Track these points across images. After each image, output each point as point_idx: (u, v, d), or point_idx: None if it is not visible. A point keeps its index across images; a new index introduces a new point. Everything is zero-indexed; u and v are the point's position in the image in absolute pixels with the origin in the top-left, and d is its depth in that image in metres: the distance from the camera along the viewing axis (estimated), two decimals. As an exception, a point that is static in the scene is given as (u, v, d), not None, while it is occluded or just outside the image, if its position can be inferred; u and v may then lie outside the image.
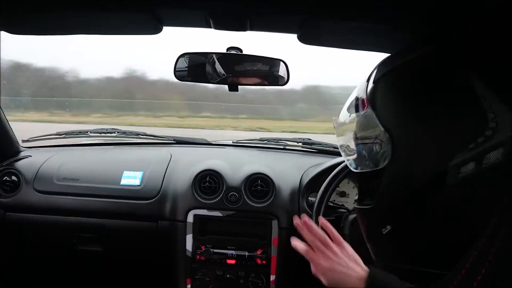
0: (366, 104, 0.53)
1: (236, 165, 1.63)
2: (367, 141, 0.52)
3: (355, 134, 0.55)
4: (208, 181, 1.54)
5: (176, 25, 0.94)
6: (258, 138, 1.98)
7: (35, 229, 1.61)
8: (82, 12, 0.88)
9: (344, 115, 0.60)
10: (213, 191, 1.54)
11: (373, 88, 0.51)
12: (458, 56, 0.41)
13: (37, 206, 1.57)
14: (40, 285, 1.94)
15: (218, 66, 1.16)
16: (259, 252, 1.51)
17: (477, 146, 0.37)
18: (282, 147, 1.97)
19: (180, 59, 1.17)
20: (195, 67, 1.19)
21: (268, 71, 1.19)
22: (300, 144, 1.91)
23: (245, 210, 1.52)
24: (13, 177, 1.60)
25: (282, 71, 1.18)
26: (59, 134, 1.86)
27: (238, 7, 0.73)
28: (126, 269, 1.84)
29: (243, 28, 0.79)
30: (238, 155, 1.83)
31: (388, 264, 0.52)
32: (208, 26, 0.84)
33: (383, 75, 0.50)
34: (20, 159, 1.70)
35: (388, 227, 0.50)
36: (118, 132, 1.91)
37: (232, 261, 1.51)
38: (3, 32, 1.09)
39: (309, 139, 1.92)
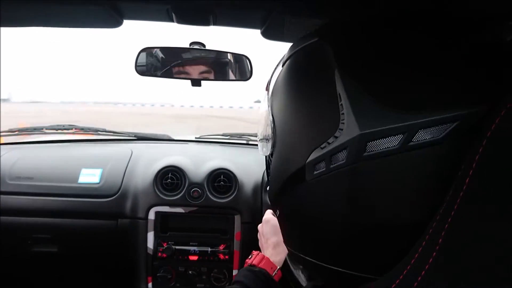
0: (266, 86, 0.55)
1: (199, 161, 1.63)
2: (263, 127, 0.54)
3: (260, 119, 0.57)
4: (170, 178, 1.53)
5: (137, 18, 0.91)
6: (221, 133, 1.99)
7: None
8: (37, 3, 0.84)
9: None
10: (175, 187, 1.53)
11: (274, 76, 0.53)
12: (330, 50, 0.42)
13: None
14: None
15: (180, 61, 1.15)
16: (221, 247, 1.52)
17: (328, 145, 0.39)
18: (245, 142, 1.99)
19: (141, 53, 1.14)
20: (156, 62, 1.17)
21: (231, 66, 1.19)
22: None
23: (207, 205, 1.52)
24: None
25: (245, 66, 1.19)
26: (12, 131, 1.78)
27: (202, 1, 0.72)
28: (84, 269, 1.79)
29: (206, 23, 0.78)
30: (201, 151, 1.83)
31: (288, 248, 0.54)
32: (170, 20, 0.82)
33: (282, 63, 0.52)
34: None
35: (278, 211, 0.52)
36: (75, 129, 1.86)
37: (195, 257, 1.52)
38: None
39: None
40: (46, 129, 1.83)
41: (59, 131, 1.84)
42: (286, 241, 0.54)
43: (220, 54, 1.17)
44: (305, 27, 0.72)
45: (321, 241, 0.43)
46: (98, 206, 1.54)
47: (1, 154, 1.63)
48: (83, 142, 1.91)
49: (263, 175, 1.60)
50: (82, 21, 0.99)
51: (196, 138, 2.01)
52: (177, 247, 1.51)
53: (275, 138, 0.49)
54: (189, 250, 1.51)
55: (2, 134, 1.76)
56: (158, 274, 1.51)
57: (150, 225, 1.51)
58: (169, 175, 1.54)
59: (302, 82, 0.45)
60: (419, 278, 0.34)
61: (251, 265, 0.92)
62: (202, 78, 1.17)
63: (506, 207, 0.31)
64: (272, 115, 0.50)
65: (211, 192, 1.53)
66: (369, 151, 0.36)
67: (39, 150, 1.76)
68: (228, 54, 1.17)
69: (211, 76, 1.19)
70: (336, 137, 0.38)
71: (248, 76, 1.19)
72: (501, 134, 0.31)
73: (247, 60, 1.18)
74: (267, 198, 1.54)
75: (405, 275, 0.35)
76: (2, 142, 1.80)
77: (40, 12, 0.92)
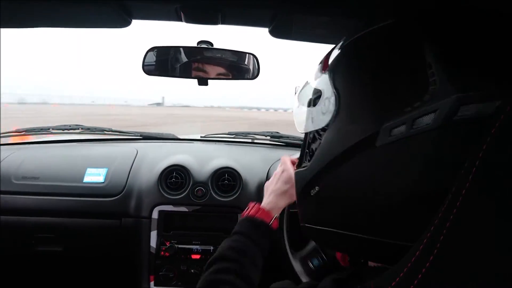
0: (324, 68, 0.55)
1: (203, 160, 1.64)
2: (318, 101, 0.54)
3: (310, 96, 0.58)
4: (174, 177, 1.54)
5: (145, 18, 0.93)
6: (227, 132, 2.00)
7: None
8: (48, 4, 0.86)
9: (303, 85, 0.62)
10: (180, 186, 1.54)
11: (335, 56, 0.54)
12: (416, 27, 0.44)
13: None
14: None
15: (187, 60, 1.16)
16: None
17: (412, 110, 0.39)
18: (250, 140, 1.99)
19: (149, 53, 1.16)
20: (163, 61, 1.19)
21: (238, 64, 1.20)
22: (268, 137, 1.94)
23: (211, 204, 1.53)
24: None
25: (252, 65, 1.20)
26: (19, 132, 1.80)
27: (210, 0, 0.73)
28: (88, 268, 1.80)
29: (215, 22, 0.80)
30: (206, 150, 1.84)
31: (311, 226, 0.54)
32: (179, 19, 0.84)
33: (346, 45, 0.53)
34: None
35: (317, 188, 0.52)
36: (82, 128, 1.87)
37: (197, 256, 1.52)
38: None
39: (277, 132, 1.96)
40: (53, 129, 1.84)
41: (66, 131, 1.86)
42: (308, 218, 0.54)
43: (228, 53, 1.18)
44: (313, 25, 0.74)
45: (373, 209, 0.44)
46: (103, 206, 1.55)
47: (8, 154, 1.65)
48: (89, 142, 1.93)
49: (267, 174, 1.61)
50: (91, 21, 1.01)
51: (201, 137, 2.02)
52: (180, 246, 1.51)
53: (338, 111, 0.49)
54: (192, 249, 1.52)
55: (9, 134, 1.78)
56: (160, 273, 1.52)
57: (154, 224, 1.52)
58: (174, 174, 1.55)
59: (379, 58, 0.46)
60: (419, 276, 0.34)
61: (249, 216, 0.96)
62: (209, 77, 1.18)
63: (508, 205, 0.31)
64: (336, 89, 0.50)
65: (215, 191, 1.54)
66: (459, 115, 0.37)
67: (45, 150, 1.77)
68: (236, 52, 1.18)
69: (219, 75, 1.20)
70: (424, 101, 0.39)
71: (256, 74, 1.20)
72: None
73: (255, 59, 1.19)
74: None
75: (405, 273, 0.36)
76: (9, 142, 1.82)
77: (50, 13, 0.94)
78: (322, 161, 0.50)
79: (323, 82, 0.54)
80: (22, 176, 1.56)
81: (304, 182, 0.56)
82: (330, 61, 0.55)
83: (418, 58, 0.41)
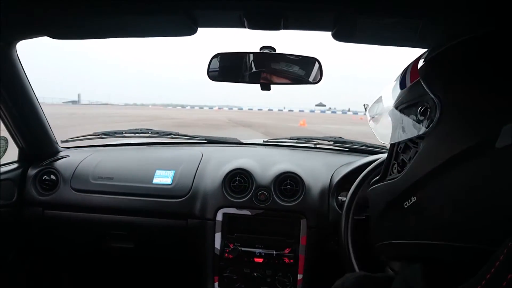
0: (414, 77, 0.53)
1: (266, 164, 1.64)
2: (408, 110, 0.52)
3: (395, 107, 0.55)
4: (238, 180, 1.56)
5: (211, 26, 0.95)
6: (289, 137, 1.99)
7: (71, 226, 1.68)
8: (120, 16, 0.91)
9: (384, 95, 0.60)
10: (243, 190, 1.56)
11: (426, 63, 0.51)
12: None
13: (74, 204, 1.64)
14: (73, 280, 2.01)
15: (250, 66, 1.17)
16: (287, 251, 1.51)
17: None
18: (313, 145, 1.97)
19: (213, 59, 1.18)
20: (228, 67, 1.20)
21: (301, 69, 1.19)
22: (331, 142, 1.90)
23: (274, 209, 1.53)
24: (52, 176, 1.68)
25: (315, 69, 1.18)
26: (96, 135, 1.93)
27: (273, 6, 0.73)
28: (155, 266, 1.88)
29: (277, 27, 0.80)
30: (268, 154, 1.84)
31: (395, 242, 0.51)
32: (242, 26, 0.85)
33: (441, 52, 0.50)
34: (59, 159, 1.77)
35: (413, 199, 0.49)
36: (151, 132, 1.96)
37: (260, 260, 1.52)
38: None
39: (341, 137, 1.91)
40: (126, 132, 1.95)
41: (137, 134, 1.96)
42: (406, 230, 0.52)
43: (291, 58, 1.18)
44: (377, 27, 0.71)
45: (495, 213, 0.41)
46: (170, 206, 1.61)
47: (86, 156, 1.78)
48: (157, 145, 2.02)
49: (330, 179, 1.57)
50: (159, 30, 1.05)
51: (264, 141, 2.03)
52: (243, 249, 1.53)
53: (440, 117, 0.48)
54: (255, 252, 1.53)
55: (87, 137, 1.91)
56: (224, 274, 1.54)
57: (218, 226, 1.55)
58: (237, 177, 1.57)
59: (483, 63, 0.46)
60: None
61: None
62: (274, 81, 1.18)
63: None
64: (437, 96, 0.49)
65: (278, 196, 1.54)
66: None
67: (118, 152, 1.89)
68: (299, 57, 1.17)
69: (284, 80, 1.19)
70: None
71: (319, 79, 1.18)
72: None
73: (318, 63, 1.17)
74: (334, 203, 1.51)
75: (489, 278, 0.33)
76: (87, 144, 1.96)
77: (122, 24, 0.99)
78: (421, 170, 0.48)
79: (415, 91, 0.52)
80: (98, 176, 1.67)
81: (394, 195, 0.54)
82: (421, 69, 0.53)
83: None
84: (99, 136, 1.93)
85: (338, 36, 0.78)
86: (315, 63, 1.17)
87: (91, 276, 2.01)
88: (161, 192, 1.63)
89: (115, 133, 1.96)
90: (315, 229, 1.51)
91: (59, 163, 1.74)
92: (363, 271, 0.60)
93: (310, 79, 1.19)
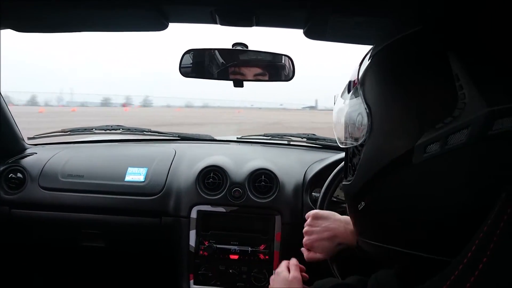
0: (355, 82, 0.54)
1: (240, 161, 1.64)
2: (352, 118, 0.53)
3: (345, 112, 0.56)
4: (212, 177, 1.55)
5: (182, 21, 0.94)
6: (263, 133, 1.99)
7: (40, 226, 1.63)
8: (88, 10, 0.88)
9: (339, 98, 0.61)
10: (217, 187, 1.55)
11: (365, 68, 0.52)
12: (440, 36, 0.42)
13: (42, 202, 1.59)
14: (43, 280, 1.96)
15: (223, 62, 1.17)
16: (262, 247, 1.52)
17: (444, 126, 0.38)
18: (286, 142, 1.97)
19: (185, 55, 1.17)
20: (199, 64, 1.19)
21: (273, 66, 1.19)
22: (305, 139, 1.92)
23: (248, 205, 1.53)
24: (19, 174, 1.62)
25: (287, 67, 1.19)
26: (64, 132, 1.88)
27: (245, 2, 0.73)
28: (129, 264, 1.86)
29: (249, 24, 0.79)
30: (242, 151, 1.84)
31: (366, 241, 0.53)
32: (214, 22, 0.84)
33: (374, 54, 0.51)
34: (26, 156, 1.72)
35: (363, 203, 0.51)
36: (123, 129, 1.92)
37: (235, 257, 1.53)
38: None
39: (314, 134, 1.93)
40: (96, 129, 1.90)
41: (108, 131, 1.92)
42: (361, 232, 0.54)
43: (263, 54, 1.18)
44: (349, 26, 0.71)
45: (415, 225, 0.43)
46: (143, 204, 1.58)
47: (55, 153, 1.72)
48: (129, 142, 1.98)
49: (304, 176, 1.59)
50: (130, 25, 1.03)
51: (237, 138, 2.02)
52: (218, 246, 1.52)
53: (371, 126, 0.48)
54: (230, 249, 1.53)
55: (55, 134, 1.86)
56: (199, 272, 1.54)
57: (192, 223, 1.54)
58: (211, 174, 1.56)
59: (406, 69, 0.45)
60: (468, 285, 0.33)
61: None
62: (246, 78, 1.18)
63: None
64: (367, 104, 0.49)
65: (252, 192, 1.54)
66: (495, 130, 0.35)
67: (89, 150, 1.84)
68: (271, 54, 1.18)
69: (255, 76, 1.19)
70: (455, 117, 0.37)
71: (291, 76, 1.19)
72: None
73: (290, 60, 1.18)
74: (308, 199, 1.53)
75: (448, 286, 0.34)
76: (55, 141, 1.91)
77: (90, 18, 0.96)
78: (364, 177, 0.49)
79: (355, 96, 0.53)
80: (68, 174, 1.63)
81: (350, 197, 0.55)
82: (360, 73, 0.53)
83: (445, 69, 0.39)
84: (68, 133, 1.88)
85: (309, 34, 0.78)
86: (287, 60, 1.18)
87: (63, 275, 1.96)
88: (134, 190, 1.60)
89: (85, 129, 1.91)
90: (290, 225, 1.52)
91: (26, 161, 1.69)
92: (334, 278, 0.61)
93: (283, 76, 1.19)
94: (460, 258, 0.35)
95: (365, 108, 0.49)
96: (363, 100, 0.50)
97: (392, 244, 0.46)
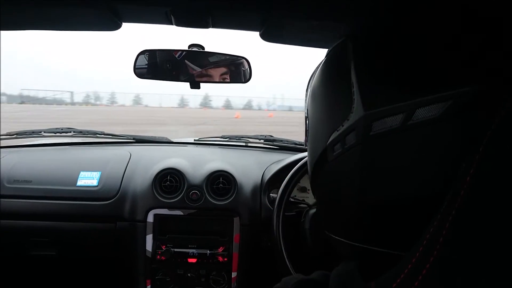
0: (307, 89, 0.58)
1: (198, 163, 1.63)
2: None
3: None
4: (169, 180, 1.53)
5: (135, 21, 0.91)
6: (220, 135, 1.99)
7: None
8: (37, 7, 0.84)
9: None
10: (174, 190, 1.53)
11: (313, 77, 0.56)
12: (349, 47, 0.46)
13: None
14: None
15: (179, 63, 1.15)
16: (220, 249, 1.51)
17: (341, 128, 0.42)
18: (243, 144, 1.98)
19: (140, 56, 1.15)
20: (155, 65, 1.17)
21: (230, 68, 1.20)
22: (262, 141, 1.93)
23: (206, 208, 1.52)
24: None
25: (244, 69, 1.19)
26: (10, 135, 1.78)
27: (201, 3, 0.72)
28: (82, 272, 1.79)
29: (205, 25, 0.79)
30: (200, 153, 1.83)
31: (331, 235, 0.55)
32: (169, 22, 0.82)
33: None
34: None
35: (316, 197, 0.56)
36: (74, 132, 1.85)
37: (193, 260, 1.51)
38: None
39: (271, 135, 1.95)
40: (45, 132, 1.82)
41: (58, 134, 1.84)
42: (323, 222, 0.57)
43: (220, 56, 1.17)
44: (304, 29, 0.73)
45: (341, 218, 0.47)
46: (97, 209, 1.53)
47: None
48: (81, 145, 1.90)
49: (262, 177, 1.60)
50: (81, 24, 0.99)
51: (195, 140, 2.01)
52: (176, 250, 1.50)
53: (306, 130, 0.54)
54: (188, 252, 1.51)
55: (0, 137, 1.75)
56: (156, 277, 1.51)
57: (149, 227, 1.51)
58: (168, 177, 1.54)
59: (327, 76, 0.49)
60: (420, 277, 0.34)
61: None
62: (202, 80, 1.17)
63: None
64: (307, 111, 0.54)
65: (210, 195, 1.53)
66: (374, 131, 0.39)
67: (37, 153, 1.75)
68: (228, 56, 1.18)
69: (211, 78, 1.19)
70: (348, 120, 0.42)
71: (248, 78, 1.19)
72: None
73: (247, 62, 1.18)
74: (266, 200, 1.54)
75: (406, 273, 0.35)
76: (0, 145, 1.80)
77: (40, 16, 0.92)
78: (310, 173, 0.54)
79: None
80: (14, 180, 1.54)
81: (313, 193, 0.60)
82: (310, 80, 0.58)
83: (348, 77, 0.43)
84: (14, 136, 1.78)
85: (266, 37, 0.79)
86: (243, 62, 1.19)
87: (11, 287, 1.85)
88: (87, 194, 1.54)
89: (33, 132, 1.82)
90: (248, 227, 1.52)
91: None
92: (301, 274, 0.62)
93: (240, 78, 1.20)
94: (413, 251, 0.36)
95: (305, 115, 0.55)
96: (306, 107, 0.55)
97: (345, 237, 0.49)
